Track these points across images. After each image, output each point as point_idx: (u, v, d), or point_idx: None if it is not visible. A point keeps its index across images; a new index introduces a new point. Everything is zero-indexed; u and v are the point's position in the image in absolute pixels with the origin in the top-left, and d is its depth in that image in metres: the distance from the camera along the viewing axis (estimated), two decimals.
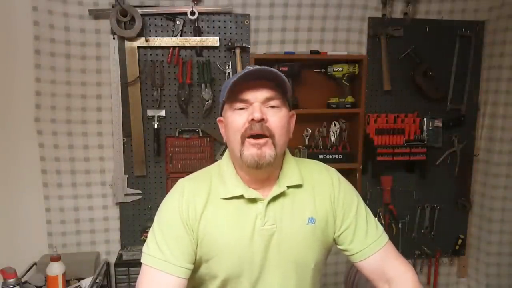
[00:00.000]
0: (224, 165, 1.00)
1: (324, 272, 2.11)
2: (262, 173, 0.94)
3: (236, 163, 0.98)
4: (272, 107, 0.90)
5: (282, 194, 0.97)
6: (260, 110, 0.88)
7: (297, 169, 1.01)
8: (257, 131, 0.88)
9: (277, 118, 0.90)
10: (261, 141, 0.88)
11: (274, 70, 0.89)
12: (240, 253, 0.94)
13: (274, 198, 0.96)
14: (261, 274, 0.96)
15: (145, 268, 0.93)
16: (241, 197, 0.95)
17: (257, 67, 0.92)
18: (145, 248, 0.95)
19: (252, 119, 0.87)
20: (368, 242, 0.99)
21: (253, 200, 0.95)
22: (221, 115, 1.00)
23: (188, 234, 0.94)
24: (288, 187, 0.97)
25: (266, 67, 0.90)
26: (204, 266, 0.97)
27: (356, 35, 2.01)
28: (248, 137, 0.89)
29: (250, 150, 0.88)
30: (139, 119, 1.90)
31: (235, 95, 0.91)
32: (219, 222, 0.94)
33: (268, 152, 0.89)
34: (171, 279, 0.90)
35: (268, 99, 0.90)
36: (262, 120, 0.88)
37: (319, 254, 1.00)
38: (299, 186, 0.99)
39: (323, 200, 1.00)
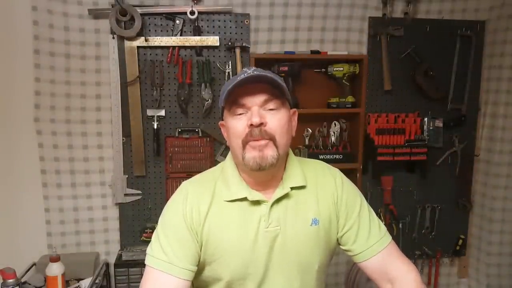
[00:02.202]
0: (227, 167, 1.00)
1: None
2: (266, 175, 0.94)
3: (239, 166, 0.97)
4: (271, 109, 0.90)
5: (285, 196, 0.96)
6: (258, 115, 0.87)
7: (300, 170, 1.00)
8: (257, 137, 0.87)
9: (276, 120, 0.89)
10: (262, 142, 0.87)
11: (270, 74, 0.89)
12: (244, 255, 0.94)
13: (278, 200, 0.96)
14: (265, 276, 0.96)
15: (149, 269, 0.93)
16: (244, 199, 0.95)
17: (253, 69, 0.91)
18: (149, 249, 0.95)
19: (251, 124, 0.87)
20: (371, 242, 0.98)
21: (256, 202, 0.95)
22: (222, 119, 0.99)
23: (192, 237, 0.93)
24: (292, 188, 0.97)
25: (261, 72, 0.89)
26: (208, 269, 0.97)
27: (357, 34, 2.00)
28: (249, 142, 0.89)
29: (252, 153, 0.88)
30: (139, 119, 1.89)
31: (233, 100, 0.90)
32: (223, 225, 0.94)
33: (270, 153, 0.88)
34: (174, 281, 0.90)
35: (266, 101, 0.89)
36: (261, 124, 0.87)
37: (323, 255, 1.00)
38: (302, 187, 0.98)
39: (326, 201, 1.00)
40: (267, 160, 0.88)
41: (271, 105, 0.90)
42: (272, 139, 0.88)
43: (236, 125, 0.90)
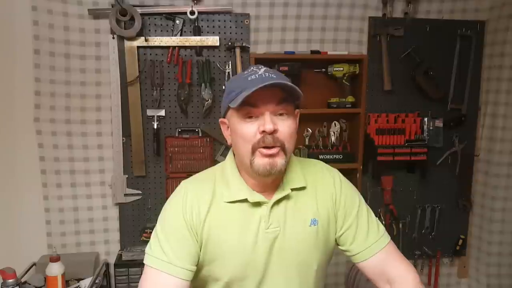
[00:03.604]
0: (227, 167, 0.99)
1: None
2: (270, 179, 0.93)
3: (241, 167, 0.97)
4: (281, 114, 0.88)
5: (285, 197, 0.96)
6: (271, 121, 0.86)
7: (300, 171, 1.00)
8: (270, 143, 0.86)
9: (287, 127, 0.89)
10: (274, 151, 0.87)
11: (282, 80, 0.86)
12: (244, 256, 0.94)
13: (278, 201, 0.95)
14: (264, 276, 0.96)
15: (148, 269, 0.92)
16: (245, 200, 0.94)
17: (264, 70, 0.89)
18: (148, 249, 0.95)
19: (264, 131, 0.86)
20: (369, 243, 0.98)
21: (257, 204, 0.95)
22: (224, 117, 0.97)
23: (191, 237, 0.93)
24: (292, 189, 0.97)
25: (272, 74, 0.88)
26: (207, 269, 0.97)
27: (357, 34, 2.00)
28: (259, 148, 0.88)
29: (262, 160, 0.87)
30: (139, 119, 1.89)
31: (243, 103, 0.86)
32: (223, 225, 0.94)
33: (280, 161, 0.88)
34: (173, 281, 0.90)
35: (278, 107, 0.88)
36: (274, 131, 0.86)
37: (322, 255, 1.00)
38: (302, 188, 0.98)
39: (325, 201, 1.00)
40: (276, 168, 0.88)
41: (281, 110, 0.88)
42: (282, 145, 0.88)
43: (246, 130, 0.88)
